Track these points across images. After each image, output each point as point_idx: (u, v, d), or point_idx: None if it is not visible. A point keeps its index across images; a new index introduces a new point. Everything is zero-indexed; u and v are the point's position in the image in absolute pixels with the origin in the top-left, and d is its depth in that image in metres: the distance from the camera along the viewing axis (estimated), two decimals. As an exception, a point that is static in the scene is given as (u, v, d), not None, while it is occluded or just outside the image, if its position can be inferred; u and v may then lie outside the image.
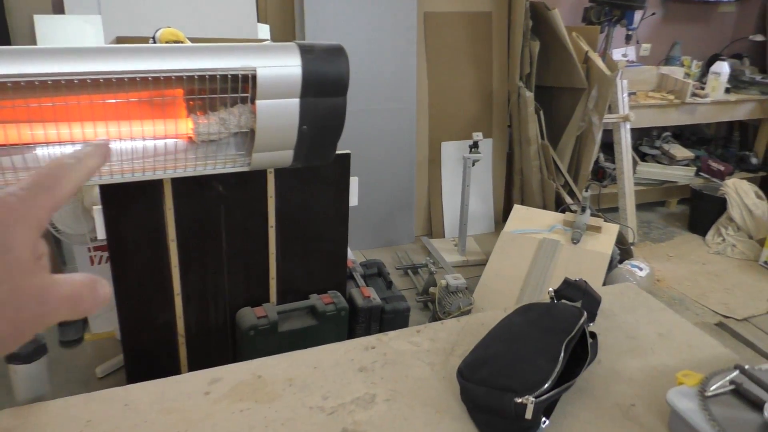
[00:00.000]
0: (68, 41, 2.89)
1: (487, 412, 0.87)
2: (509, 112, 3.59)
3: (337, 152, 1.95)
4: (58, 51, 0.76)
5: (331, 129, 0.91)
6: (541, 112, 3.44)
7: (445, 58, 3.44)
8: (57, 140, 0.80)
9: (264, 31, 3.04)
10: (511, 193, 3.72)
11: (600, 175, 4.00)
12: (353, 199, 2.03)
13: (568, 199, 3.32)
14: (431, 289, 2.77)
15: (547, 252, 2.81)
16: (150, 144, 0.85)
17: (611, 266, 2.85)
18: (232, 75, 0.82)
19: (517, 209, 3.05)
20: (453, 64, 3.47)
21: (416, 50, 3.33)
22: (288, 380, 0.97)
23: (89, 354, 2.40)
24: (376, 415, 0.90)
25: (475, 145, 3.08)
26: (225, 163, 0.92)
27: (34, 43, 2.87)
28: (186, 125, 0.86)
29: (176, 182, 1.71)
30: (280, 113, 0.86)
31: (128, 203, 1.71)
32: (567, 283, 1.14)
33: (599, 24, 3.64)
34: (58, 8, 2.95)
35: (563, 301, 1.11)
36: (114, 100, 0.80)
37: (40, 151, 0.81)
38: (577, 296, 1.11)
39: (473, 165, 3.13)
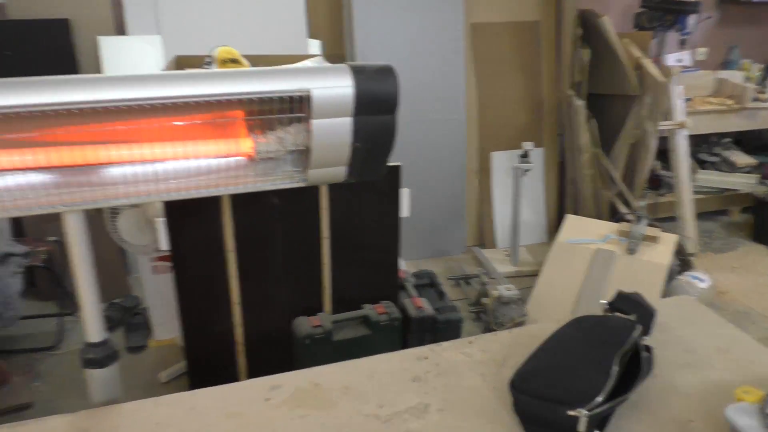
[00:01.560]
0: (130, 61, 3.04)
1: (540, 424, 0.88)
2: (560, 121, 3.55)
3: (388, 164, 2.00)
4: (129, 78, 0.82)
5: (383, 145, 0.95)
6: (593, 120, 3.39)
7: (493, 68, 3.44)
8: (129, 160, 0.86)
9: (314, 46, 3.12)
10: (563, 202, 3.67)
11: (656, 183, 3.90)
12: (405, 211, 2.06)
13: (623, 209, 3.25)
14: (483, 300, 2.76)
15: (602, 262, 2.76)
16: (213, 162, 0.91)
17: (670, 278, 2.78)
18: (289, 96, 0.86)
19: (570, 219, 3.01)
20: (501, 74, 3.46)
21: (464, 61, 3.34)
22: (344, 388, 1.00)
23: (154, 360, 2.50)
24: (430, 424, 0.92)
25: (525, 155, 3.06)
26: (283, 179, 0.96)
27: (98, 62, 3.03)
28: (246, 144, 0.91)
29: (234, 195, 1.78)
30: (334, 131, 0.90)
31: (189, 215, 1.79)
32: (621, 295, 1.13)
33: (652, 29, 3.57)
34: (121, 30, 3.12)
35: (617, 313, 1.10)
36: (181, 122, 0.85)
37: (115, 170, 0.87)
38: (632, 309, 1.10)
39: (524, 174, 3.12)
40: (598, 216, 3.35)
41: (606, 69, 3.41)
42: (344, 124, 0.91)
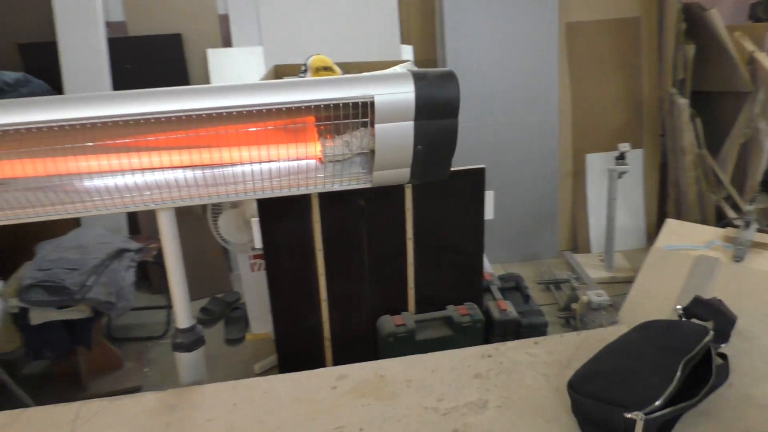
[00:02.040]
0: (235, 71, 3.26)
1: (597, 426, 0.87)
2: (662, 121, 3.38)
3: (472, 167, 2.00)
4: (213, 89, 0.91)
5: (444, 148, 0.98)
6: (698, 120, 3.20)
7: (588, 67, 3.34)
8: (209, 163, 0.95)
9: (407, 51, 3.18)
10: (665, 206, 3.49)
11: (772, 186, 3.61)
12: (489, 213, 2.06)
13: (731, 213, 3.05)
14: (573, 305, 2.70)
15: (704, 270, 2.60)
16: (285, 165, 0.98)
17: (782, 287, 2.57)
18: (354, 103, 0.92)
19: (670, 223, 2.85)
20: (598, 73, 3.36)
21: (558, 61, 3.28)
22: (407, 381, 1.04)
23: (249, 352, 2.66)
24: (487, 420, 0.94)
25: (621, 156, 2.95)
26: (350, 180, 1.02)
27: (207, 72, 3.28)
28: (315, 148, 0.98)
29: (322, 196, 1.87)
30: (396, 135, 0.95)
31: (281, 215, 1.90)
32: (697, 301, 1.09)
33: (769, 20, 3.32)
34: (227, 42, 3.35)
35: (693, 319, 1.07)
36: (255, 128, 0.93)
37: (201, 172, 0.97)
38: (709, 315, 1.06)
39: (620, 177, 3.00)
40: (703, 221, 3.16)
41: (713, 65, 3.21)
42: (406, 127, 0.95)
